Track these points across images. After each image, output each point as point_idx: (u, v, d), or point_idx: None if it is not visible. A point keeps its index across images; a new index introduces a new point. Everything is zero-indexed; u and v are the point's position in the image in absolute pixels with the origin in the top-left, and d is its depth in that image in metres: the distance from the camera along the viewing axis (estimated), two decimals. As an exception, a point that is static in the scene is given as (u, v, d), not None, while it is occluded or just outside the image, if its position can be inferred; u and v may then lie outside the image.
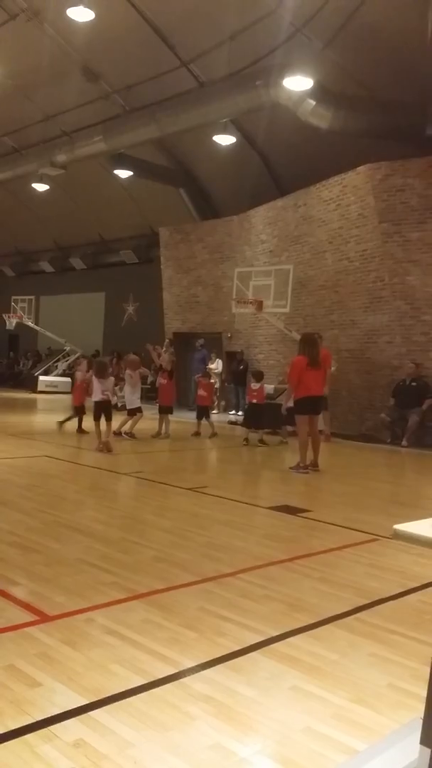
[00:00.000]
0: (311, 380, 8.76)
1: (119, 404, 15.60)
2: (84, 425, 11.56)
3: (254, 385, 11.56)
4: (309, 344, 9.06)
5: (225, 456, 10.83)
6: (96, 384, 9.96)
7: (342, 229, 13.74)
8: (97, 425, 9.87)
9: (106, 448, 9.60)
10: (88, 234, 23.86)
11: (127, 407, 11.44)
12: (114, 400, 13.62)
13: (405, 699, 2.76)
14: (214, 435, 11.97)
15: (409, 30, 11.41)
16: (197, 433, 12.01)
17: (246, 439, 11.38)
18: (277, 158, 16.78)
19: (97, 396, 9.91)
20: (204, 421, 12.01)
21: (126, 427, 11.10)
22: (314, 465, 8.80)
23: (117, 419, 10.98)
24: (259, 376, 11.70)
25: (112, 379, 10.37)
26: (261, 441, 11.33)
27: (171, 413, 11.90)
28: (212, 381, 12.76)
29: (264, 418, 11.52)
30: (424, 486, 8.64)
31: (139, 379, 11.58)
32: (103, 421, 9.86)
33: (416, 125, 12.43)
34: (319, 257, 14.47)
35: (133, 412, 11.23)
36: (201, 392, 12.34)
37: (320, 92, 12.41)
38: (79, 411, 11.72)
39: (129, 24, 14.21)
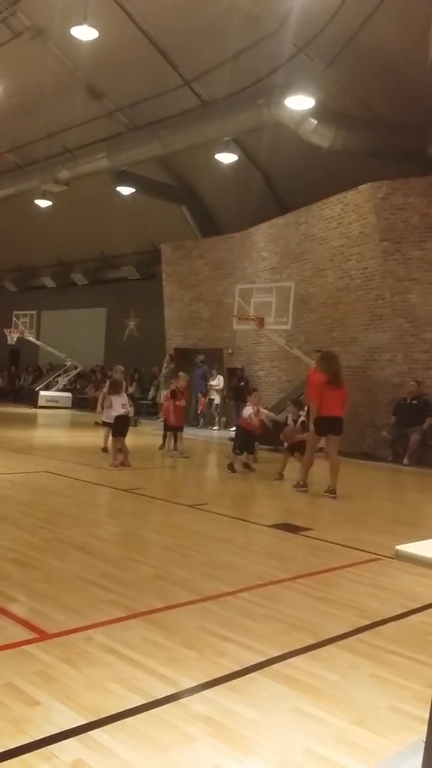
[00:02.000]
0: (330, 399, 8.33)
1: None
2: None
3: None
4: (328, 361, 8.63)
5: (225, 473, 10.79)
6: (115, 399, 10.02)
7: (343, 247, 13.81)
8: (117, 441, 9.83)
9: (123, 464, 9.63)
10: (90, 250, 23.98)
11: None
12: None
13: (406, 721, 2.73)
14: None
15: (410, 51, 11.54)
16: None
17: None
18: (278, 176, 16.90)
19: (117, 411, 9.93)
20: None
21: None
22: (331, 491, 8.26)
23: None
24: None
25: (124, 395, 10.44)
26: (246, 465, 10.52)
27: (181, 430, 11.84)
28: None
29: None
30: (426, 505, 8.61)
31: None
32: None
33: (417, 145, 12.54)
34: (321, 275, 14.53)
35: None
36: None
37: (322, 112, 12.53)
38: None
39: (132, 43, 14.38)
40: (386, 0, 11.11)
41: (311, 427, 8.63)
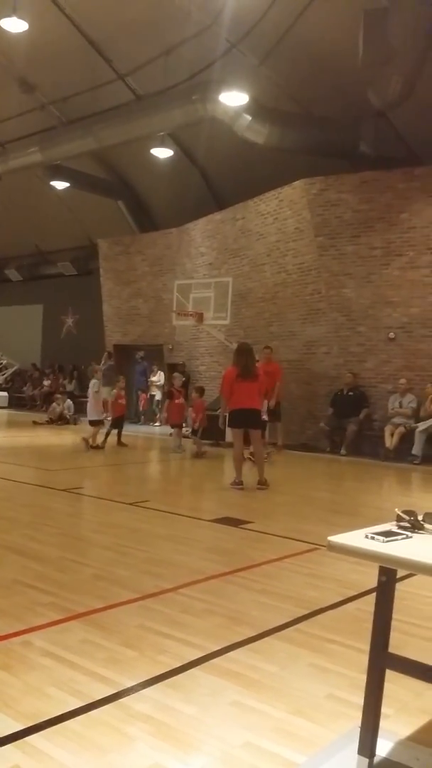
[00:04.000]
0: (242, 392, 8.37)
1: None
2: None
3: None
4: (239, 354, 8.65)
5: (167, 469, 10.79)
6: None
7: (279, 242, 13.94)
8: None
9: None
10: (24, 245, 23.47)
11: (97, 417, 11.81)
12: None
13: (343, 709, 2.78)
14: (202, 454, 11.46)
15: (342, 49, 11.70)
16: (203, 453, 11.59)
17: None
18: (215, 172, 16.92)
19: None
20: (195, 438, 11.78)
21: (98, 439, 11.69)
22: (260, 483, 8.34)
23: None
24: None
25: None
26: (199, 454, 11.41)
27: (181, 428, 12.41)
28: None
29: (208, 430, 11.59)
30: (362, 494, 8.80)
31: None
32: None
33: (349, 142, 12.74)
34: (258, 270, 14.64)
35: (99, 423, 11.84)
36: (193, 414, 11.97)
37: (256, 108, 12.59)
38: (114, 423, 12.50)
39: (64, 36, 14.13)
40: (317, -2, 11.25)
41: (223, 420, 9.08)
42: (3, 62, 15.41)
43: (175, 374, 13.19)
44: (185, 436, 12.29)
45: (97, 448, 11.50)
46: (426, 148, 12.53)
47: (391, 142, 12.81)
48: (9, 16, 12.19)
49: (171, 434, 12.57)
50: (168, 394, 12.51)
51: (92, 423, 11.74)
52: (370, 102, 11.06)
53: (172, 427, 12.43)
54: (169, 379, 17.06)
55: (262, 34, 12.10)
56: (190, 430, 12.05)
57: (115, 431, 12.38)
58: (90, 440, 11.51)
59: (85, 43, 14.33)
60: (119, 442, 12.27)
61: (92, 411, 11.73)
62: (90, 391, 11.88)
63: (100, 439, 11.71)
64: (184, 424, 12.43)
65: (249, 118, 12.58)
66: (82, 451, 11.33)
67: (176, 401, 12.25)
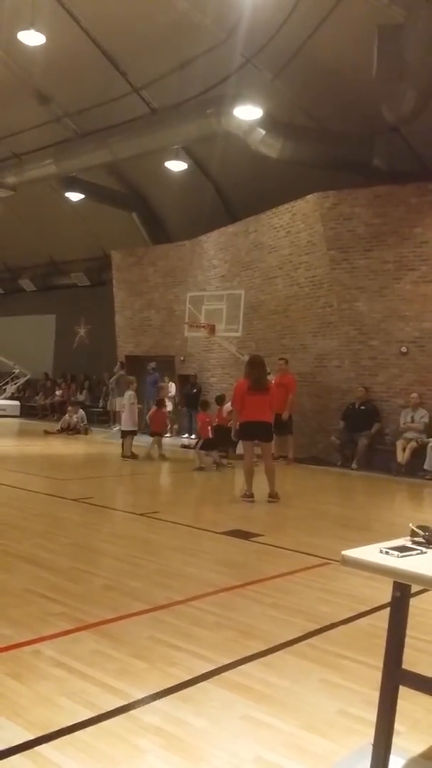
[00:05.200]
0: (253, 405, 8.36)
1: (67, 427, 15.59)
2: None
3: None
4: (251, 366, 8.65)
5: (177, 481, 10.78)
6: None
7: (292, 255, 13.97)
8: None
9: None
10: (38, 256, 23.66)
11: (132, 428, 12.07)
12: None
13: (355, 725, 2.76)
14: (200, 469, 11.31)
15: (356, 63, 11.76)
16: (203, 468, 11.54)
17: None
18: (228, 185, 17.01)
19: None
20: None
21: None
22: (271, 496, 8.32)
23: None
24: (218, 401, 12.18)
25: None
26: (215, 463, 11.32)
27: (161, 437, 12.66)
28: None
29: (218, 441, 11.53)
30: (374, 508, 8.75)
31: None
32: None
33: (363, 156, 12.77)
34: (270, 282, 14.67)
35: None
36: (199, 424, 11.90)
37: (270, 122, 12.68)
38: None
39: (80, 49, 14.28)
40: (332, 13, 11.31)
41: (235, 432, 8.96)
42: (20, 75, 15.59)
43: (161, 384, 13.32)
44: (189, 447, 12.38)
45: (133, 457, 11.76)
46: (439, 163, 12.56)
47: (405, 156, 12.84)
48: (27, 29, 12.36)
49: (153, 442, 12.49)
50: (157, 403, 12.68)
51: (125, 433, 11.95)
52: (383, 117, 11.09)
53: (152, 435, 12.47)
54: (180, 389, 17.12)
55: (276, 49, 12.19)
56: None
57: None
58: (127, 451, 11.85)
59: (101, 57, 14.48)
60: (130, 453, 12.26)
61: (127, 422, 11.93)
62: (126, 402, 12.06)
63: (127, 448, 11.90)
64: (191, 437, 12.48)
65: (263, 132, 12.67)
66: (131, 462, 11.64)
67: (162, 410, 12.50)
